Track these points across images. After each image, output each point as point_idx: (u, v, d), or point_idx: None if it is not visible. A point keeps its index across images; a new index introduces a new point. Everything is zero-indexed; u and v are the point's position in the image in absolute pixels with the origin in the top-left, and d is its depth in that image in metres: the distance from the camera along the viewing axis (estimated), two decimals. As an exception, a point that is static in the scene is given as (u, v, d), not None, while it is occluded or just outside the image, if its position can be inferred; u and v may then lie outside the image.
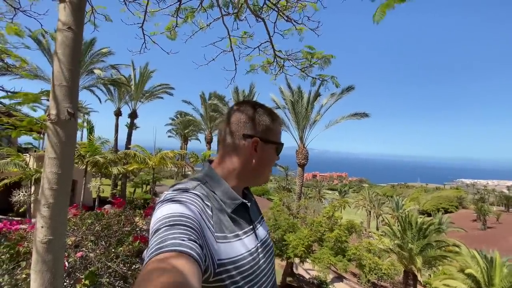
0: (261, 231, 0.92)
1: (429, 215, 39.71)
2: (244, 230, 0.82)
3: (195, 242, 0.58)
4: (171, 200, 0.69)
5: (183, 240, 0.56)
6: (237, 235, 0.78)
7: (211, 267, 0.64)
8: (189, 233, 0.59)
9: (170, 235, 0.56)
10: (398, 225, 14.31)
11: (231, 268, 0.71)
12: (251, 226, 0.86)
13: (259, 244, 0.85)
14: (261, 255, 0.83)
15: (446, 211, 44.63)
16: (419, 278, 12.77)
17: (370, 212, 36.48)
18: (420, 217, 15.26)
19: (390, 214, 32.77)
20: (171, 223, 0.60)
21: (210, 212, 0.74)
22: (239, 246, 0.76)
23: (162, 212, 0.64)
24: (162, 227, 0.59)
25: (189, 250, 0.54)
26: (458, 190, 63.22)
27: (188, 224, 0.61)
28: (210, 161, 0.91)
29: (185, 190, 0.74)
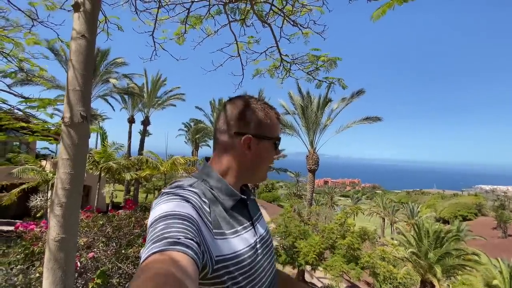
0: (260, 228, 0.91)
1: (447, 222, 38.20)
2: (243, 226, 0.82)
3: (192, 240, 0.57)
4: (169, 198, 0.68)
5: (179, 238, 0.55)
6: (236, 231, 0.77)
7: (209, 264, 0.64)
8: (185, 230, 0.58)
9: (166, 233, 0.56)
10: (413, 233, 13.82)
11: (230, 264, 0.71)
12: (250, 222, 0.86)
13: (258, 240, 0.84)
14: (259, 251, 0.83)
15: (465, 219, 42.79)
16: (437, 288, 12.22)
17: (384, 219, 35.47)
18: (437, 225, 14.70)
19: (405, 221, 31.74)
20: (167, 220, 0.60)
21: (207, 209, 0.73)
22: (238, 241, 0.76)
23: (160, 209, 0.64)
24: (159, 225, 0.59)
25: (185, 248, 0.54)
26: (476, 196, 60.62)
27: (185, 222, 0.61)
28: (208, 159, 0.91)
29: (183, 188, 0.74)
